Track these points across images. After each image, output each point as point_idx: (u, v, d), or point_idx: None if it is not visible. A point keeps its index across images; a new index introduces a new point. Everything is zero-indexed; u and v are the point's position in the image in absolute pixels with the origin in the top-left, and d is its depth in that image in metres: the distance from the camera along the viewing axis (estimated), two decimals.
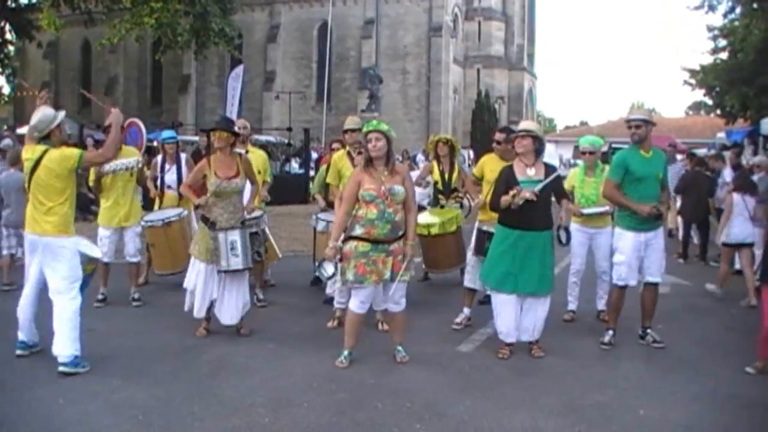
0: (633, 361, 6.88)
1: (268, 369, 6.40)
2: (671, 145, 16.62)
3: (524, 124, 7.14)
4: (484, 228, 7.69)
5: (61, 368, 6.13)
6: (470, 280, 7.98)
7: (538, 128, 7.21)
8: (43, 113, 6.37)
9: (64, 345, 6.19)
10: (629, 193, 7.19)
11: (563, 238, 7.50)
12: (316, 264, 6.82)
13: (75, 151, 6.39)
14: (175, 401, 5.57)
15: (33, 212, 6.36)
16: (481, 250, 7.64)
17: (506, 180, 6.85)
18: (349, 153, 8.43)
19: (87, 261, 6.65)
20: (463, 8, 56.73)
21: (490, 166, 7.94)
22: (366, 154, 6.43)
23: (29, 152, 6.37)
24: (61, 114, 6.45)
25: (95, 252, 7.04)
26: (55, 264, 6.36)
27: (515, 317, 6.91)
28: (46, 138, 6.35)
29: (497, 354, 6.89)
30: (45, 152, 6.26)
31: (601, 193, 7.57)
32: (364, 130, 6.48)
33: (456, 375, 6.36)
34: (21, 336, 6.63)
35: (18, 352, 6.57)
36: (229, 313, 7.41)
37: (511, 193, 6.63)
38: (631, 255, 7.23)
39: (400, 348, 6.68)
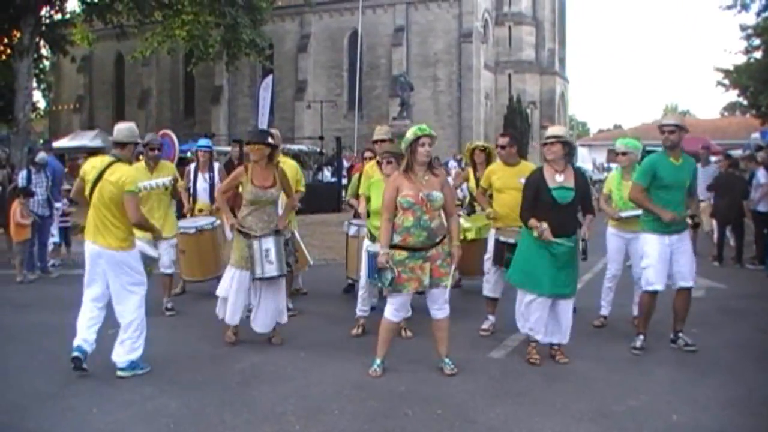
0: (665, 366, 6.81)
1: (299, 377, 6.42)
2: (705, 147, 16.41)
3: (553, 130, 7.05)
4: (502, 238, 7.61)
5: (118, 373, 6.38)
6: (491, 289, 7.96)
7: (567, 133, 7.15)
8: (130, 125, 6.82)
9: (124, 351, 6.43)
10: (654, 199, 7.17)
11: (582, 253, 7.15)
12: (375, 276, 6.73)
13: (124, 183, 6.39)
14: (206, 410, 5.60)
15: (97, 224, 6.48)
16: (501, 261, 7.59)
17: (536, 187, 6.79)
18: (379, 162, 8.42)
19: (148, 263, 6.86)
20: (493, 14, 56.60)
21: (497, 174, 7.88)
22: (409, 158, 6.36)
23: (93, 163, 6.63)
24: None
25: (153, 252, 7.18)
26: (119, 274, 6.49)
27: (546, 318, 6.90)
28: (122, 147, 6.59)
29: (529, 360, 6.84)
30: (108, 165, 6.46)
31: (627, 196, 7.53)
32: (417, 134, 6.34)
33: (487, 381, 6.34)
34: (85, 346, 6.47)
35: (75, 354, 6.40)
36: (261, 322, 7.46)
37: (537, 231, 6.63)
38: (658, 259, 7.17)
39: (447, 360, 6.55)
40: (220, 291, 7.54)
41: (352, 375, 6.43)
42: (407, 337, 7.66)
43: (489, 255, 7.93)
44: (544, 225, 6.62)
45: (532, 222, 6.72)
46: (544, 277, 6.73)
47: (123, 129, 6.70)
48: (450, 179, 10.46)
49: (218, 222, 9.63)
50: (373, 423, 5.36)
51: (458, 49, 52.47)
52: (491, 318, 7.97)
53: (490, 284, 7.95)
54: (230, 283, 7.42)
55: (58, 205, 12.53)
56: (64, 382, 6.22)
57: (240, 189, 7.48)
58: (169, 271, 8.96)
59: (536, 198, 6.77)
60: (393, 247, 6.32)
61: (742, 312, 9.20)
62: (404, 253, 6.29)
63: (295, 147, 32.86)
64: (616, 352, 7.20)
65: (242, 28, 27.67)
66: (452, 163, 30.54)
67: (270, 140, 7.50)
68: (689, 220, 7.07)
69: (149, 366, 6.50)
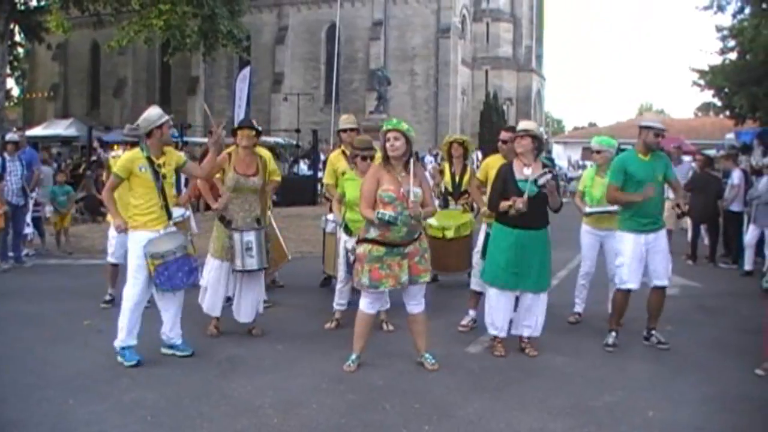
0: (642, 363, 6.86)
1: (277, 370, 6.40)
2: (676, 146, 16.49)
3: (523, 124, 7.11)
4: (490, 231, 7.62)
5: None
6: (477, 283, 7.95)
7: (537, 128, 7.19)
8: (149, 112, 6.67)
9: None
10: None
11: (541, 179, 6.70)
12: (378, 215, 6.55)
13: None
14: (184, 402, 5.58)
15: None
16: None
17: (504, 179, 6.86)
18: (343, 152, 8.42)
19: (149, 257, 6.49)
20: (471, 9, 56.75)
21: (496, 168, 7.65)
22: (383, 153, 6.31)
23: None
24: (166, 116, 6.67)
25: (161, 246, 6.62)
26: None
27: (510, 314, 6.96)
28: (148, 136, 6.58)
29: (493, 353, 6.91)
30: None
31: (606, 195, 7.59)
32: (384, 128, 6.31)
33: (465, 376, 6.35)
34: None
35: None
36: (245, 311, 7.49)
37: (507, 204, 6.67)
38: (632, 258, 7.23)
39: (427, 355, 6.54)
40: (203, 281, 7.51)
41: (329, 368, 6.41)
42: (388, 331, 7.67)
43: (478, 248, 7.93)
44: (513, 197, 6.64)
45: (504, 204, 6.74)
46: (512, 272, 6.76)
47: (146, 119, 6.63)
48: (428, 174, 10.45)
49: (188, 213, 9.56)
50: (351, 417, 5.35)
51: (436, 44, 52.57)
52: (471, 313, 7.97)
53: (476, 278, 7.95)
54: (210, 274, 7.40)
55: (32, 194, 12.40)
56: (40, 373, 6.16)
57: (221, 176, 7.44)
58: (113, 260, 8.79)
59: (504, 190, 6.82)
60: (371, 242, 6.28)
61: (717, 310, 9.29)
62: (382, 249, 6.22)
63: (271, 139, 32.75)
64: (593, 349, 7.24)
65: (220, 19, 27.55)
66: (428, 158, 30.62)
67: (259, 127, 7.57)
68: (676, 209, 7.13)
69: (136, 359, 6.43)
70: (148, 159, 6.55)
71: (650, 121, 7.39)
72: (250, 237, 7.14)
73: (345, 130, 8.50)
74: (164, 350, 6.78)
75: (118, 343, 6.50)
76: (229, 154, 7.38)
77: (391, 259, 6.22)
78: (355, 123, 8.59)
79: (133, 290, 6.55)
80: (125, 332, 6.50)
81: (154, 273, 6.49)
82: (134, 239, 6.59)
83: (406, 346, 6.78)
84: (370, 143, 7.73)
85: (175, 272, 6.55)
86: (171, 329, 6.78)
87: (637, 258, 7.23)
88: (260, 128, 7.59)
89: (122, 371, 6.24)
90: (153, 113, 6.65)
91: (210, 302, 7.43)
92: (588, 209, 8.16)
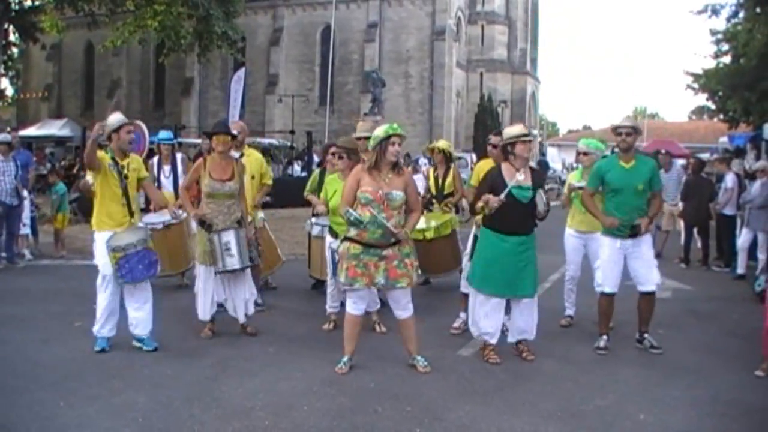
0: (633, 367, 6.87)
1: (269, 372, 6.39)
2: (666, 152, 16.47)
3: (521, 129, 6.95)
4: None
5: None
6: (467, 285, 7.95)
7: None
8: (109, 118, 7.08)
9: None
10: (607, 203, 7.24)
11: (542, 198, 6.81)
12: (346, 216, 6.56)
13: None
14: (174, 404, 5.56)
15: None
16: None
17: (492, 183, 6.77)
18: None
19: (112, 250, 6.82)
20: (466, 12, 56.72)
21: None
22: (378, 156, 6.29)
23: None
24: (125, 121, 7.05)
25: (122, 239, 6.92)
26: None
27: (501, 319, 6.92)
28: (109, 139, 7.03)
29: (488, 361, 6.82)
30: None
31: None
32: (388, 132, 6.30)
33: (456, 379, 6.35)
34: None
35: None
36: (241, 311, 7.53)
37: (488, 205, 6.60)
38: (607, 261, 7.26)
39: (419, 358, 6.55)
40: (197, 288, 7.53)
41: (321, 371, 6.40)
42: (381, 332, 7.68)
43: (468, 251, 7.94)
44: (488, 195, 6.60)
45: (480, 201, 6.68)
46: (503, 279, 6.72)
47: (107, 125, 7.01)
48: (421, 176, 10.41)
49: (184, 214, 9.55)
50: (342, 419, 5.35)
51: (431, 46, 52.49)
52: (463, 316, 7.95)
53: (465, 280, 7.95)
54: (198, 280, 7.42)
55: (25, 193, 12.36)
56: (30, 375, 6.15)
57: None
58: None
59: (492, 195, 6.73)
60: (350, 240, 6.33)
61: (709, 314, 9.30)
62: (359, 248, 6.28)
63: (265, 141, 32.72)
64: (584, 352, 7.25)
65: (215, 20, 27.56)
66: (422, 160, 30.56)
67: (233, 131, 7.57)
68: (645, 221, 7.05)
69: (101, 347, 6.88)
70: (113, 159, 6.97)
71: (618, 123, 7.35)
72: (229, 237, 7.16)
73: (360, 138, 8.43)
74: (135, 343, 7.04)
75: (95, 330, 6.98)
76: (205, 159, 7.40)
77: (367, 258, 6.26)
78: (371, 131, 8.57)
79: (105, 292, 7.01)
80: (100, 323, 6.96)
81: (116, 266, 6.81)
82: (100, 239, 6.98)
83: (398, 349, 6.77)
84: (355, 146, 7.76)
85: (135, 265, 6.86)
86: (137, 326, 7.03)
87: (612, 261, 7.23)
88: (235, 133, 7.65)
89: (113, 373, 6.22)
90: (112, 119, 7.05)
91: (201, 308, 7.47)
92: (576, 184, 8.10)
